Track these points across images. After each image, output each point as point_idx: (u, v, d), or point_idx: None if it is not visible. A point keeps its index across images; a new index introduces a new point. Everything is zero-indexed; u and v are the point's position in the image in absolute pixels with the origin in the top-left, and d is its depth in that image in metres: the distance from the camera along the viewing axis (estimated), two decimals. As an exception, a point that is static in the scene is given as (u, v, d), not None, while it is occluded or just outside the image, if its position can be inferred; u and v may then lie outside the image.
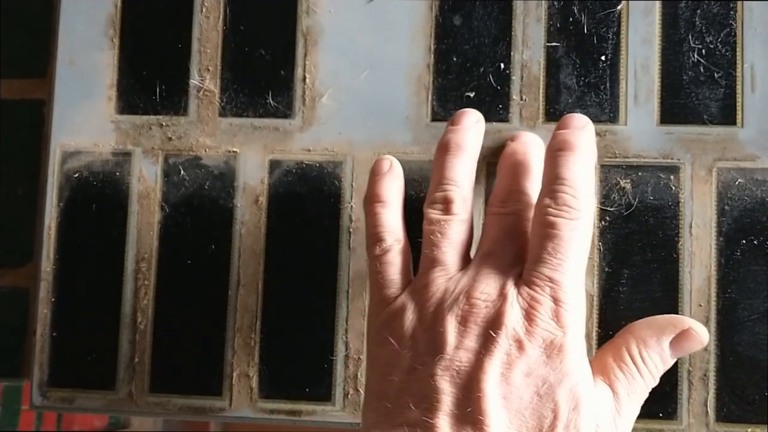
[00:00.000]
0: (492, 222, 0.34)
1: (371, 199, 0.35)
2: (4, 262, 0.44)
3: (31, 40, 0.45)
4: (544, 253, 0.31)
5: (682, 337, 0.33)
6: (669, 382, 0.36)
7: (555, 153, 0.33)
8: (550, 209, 0.32)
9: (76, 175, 0.39)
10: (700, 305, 0.36)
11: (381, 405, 0.31)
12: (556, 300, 0.31)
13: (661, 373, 0.33)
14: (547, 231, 0.31)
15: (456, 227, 0.33)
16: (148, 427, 0.93)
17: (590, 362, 0.32)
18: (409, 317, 0.32)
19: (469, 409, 0.29)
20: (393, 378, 0.31)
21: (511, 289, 0.31)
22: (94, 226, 0.39)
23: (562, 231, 0.31)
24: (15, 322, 0.44)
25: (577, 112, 0.36)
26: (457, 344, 0.31)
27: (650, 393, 0.36)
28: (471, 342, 0.30)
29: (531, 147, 0.36)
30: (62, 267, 0.39)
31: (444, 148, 0.35)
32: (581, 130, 0.34)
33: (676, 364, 0.36)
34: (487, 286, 0.31)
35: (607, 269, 0.37)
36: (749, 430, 0.36)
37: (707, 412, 0.36)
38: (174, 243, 0.39)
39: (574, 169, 0.32)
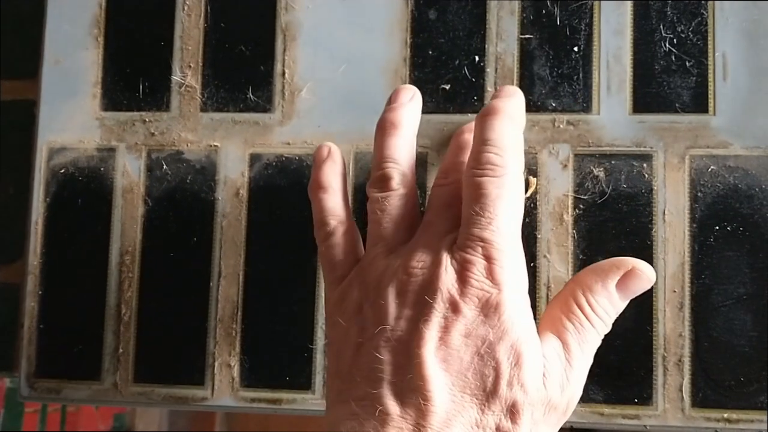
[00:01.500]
0: (433, 194, 0.34)
1: (312, 187, 0.35)
2: (-4, 259, 0.45)
3: (24, 42, 0.46)
4: (473, 213, 0.31)
5: (627, 277, 0.32)
6: (644, 368, 0.36)
7: (481, 119, 0.33)
8: (475, 170, 0.32)
9: (62, 171, 0.40)
10: (675, 291, 0.37)
11: (335, 384, 0.32)
12: (488, 258, 0.30)
13: (613, 318, 0.33)
14: (473, 192, 0.31)
15: (395, 202, 0.34)
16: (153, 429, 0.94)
17: (540, 319, 0.32)
18: (355, 295, 0.32)
19: (410, 376, 0.29)
20: (344, 356, 0.32)
21: (444, 255, 0.31)
22: (80, 220, 0.40)
23: (487, 189, 0.31)
24: (6, 317, 0.45)
25: (550, 101, 0.37)
26: (397, 314, 0.31)
27: (625, 378, 0.36)
28: (409, 310, 0.31)
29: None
30: (49, 261, 0.40)
31: (381, 128, 0.35)
32: (509, 97, 0.34)
33: (651, 348, 0.36)
34: (423, 254, 0.32)
35: (581, 257, 0.37)
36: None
37: (682, 397, 0.36)
38: (157, 236, 0.40)
39: (498, 130, 0.32)
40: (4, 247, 0.45)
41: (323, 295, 0.38)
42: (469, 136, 0.35)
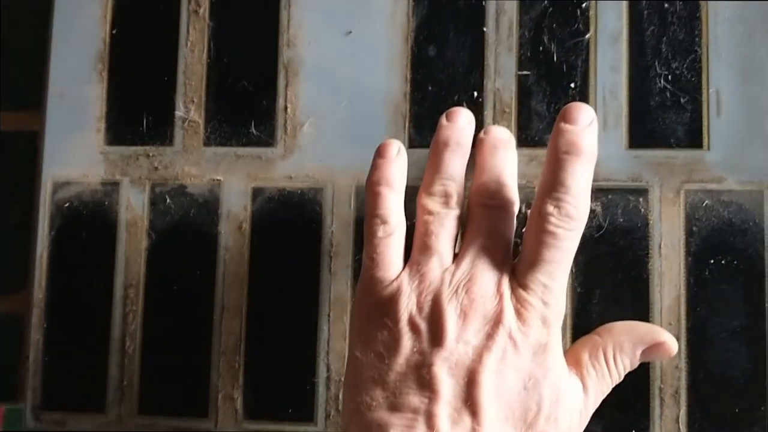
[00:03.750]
0: (481, 214, 0.35)
1: (379, 181, 0.35)
2: (0, 289, 0.45)
3: (27, 73, 0.47)
4: (541, 259, 0.33)
5: (655, 347, 0.35)
6: (641, 399, 0.37)
7: (561, 155, 0.33)
8: (552, 218, 0.33)
9: (67, 204, 0.41)
10: (671, 324, 0.37)
11: (377, 389, 0.32)
12: (545, 303, 0.33)
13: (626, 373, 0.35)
14: (546, 239, 0.33)
15: (452, 221, 0.35)
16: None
17: (565, 353, 0.34)
18: (406, 302, 0.33)
19: (467, 401, 0.31)
20: (391, 363, 0.32)
21: (506, 288, 0.33)
22: (84, 254, 0.40)
23: (561, 242, 0.33)
24: (10, 346, 0.45)
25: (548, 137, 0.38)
26: (457, 337, 0.32)
27: (623, 409, 0.37)
28: (470, 336, 0.32)
29: (507, 143, 0.37)
30: (54, 294, 0.40)
31: (444, 144, 0.36)
32: (588, 128, 0.34)
33: (647, 380, 0.37)
34: (485, 282, 0.33)
35: (579, 290, 0.38)
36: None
37: (679, 428, 0.37)
38: (161, 269, 0.40)
39: (579, 178, 0.33)
40: (7, 278, 0.46)
41: (325, 328, 0.39)
42: (503, 154, 0.36)
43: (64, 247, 0.41)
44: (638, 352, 0.35)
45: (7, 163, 0.46)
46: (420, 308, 0.33)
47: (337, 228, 0.39)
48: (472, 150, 0.37)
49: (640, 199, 0.38)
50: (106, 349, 0.40)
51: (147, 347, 0.40)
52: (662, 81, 0.38)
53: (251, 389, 0.39)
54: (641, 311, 0.37)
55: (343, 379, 0.38)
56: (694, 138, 0.38)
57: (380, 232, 0.35)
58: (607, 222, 0.38)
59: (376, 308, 0.34)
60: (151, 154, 0.41)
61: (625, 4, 0.39)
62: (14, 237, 0.46)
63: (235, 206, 0.40)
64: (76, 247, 0.41)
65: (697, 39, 0.38)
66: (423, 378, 0.32)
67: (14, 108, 0.47)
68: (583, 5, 0.39)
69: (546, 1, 0.39)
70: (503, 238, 0.35)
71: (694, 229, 0.38)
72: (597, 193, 0.38)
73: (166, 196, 0.40)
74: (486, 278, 0.33)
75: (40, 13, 0.47)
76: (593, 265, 0.38)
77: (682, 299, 0.37)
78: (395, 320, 0.33)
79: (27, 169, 0.46)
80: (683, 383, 0.37)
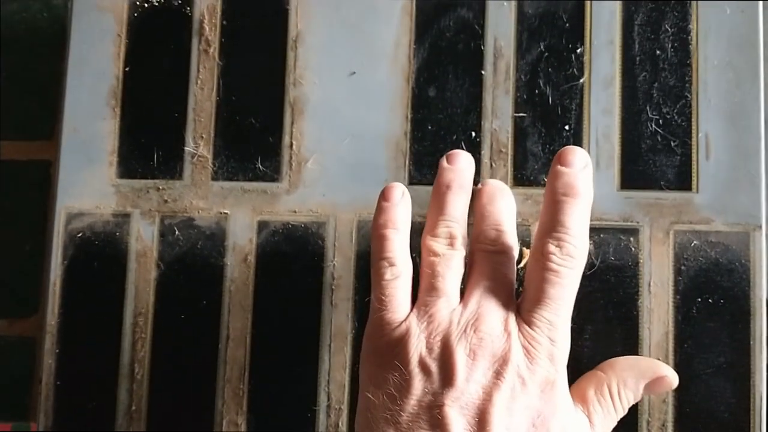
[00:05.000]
0: (484, 259, 0.36)
1: (385, 224, 0.37)
2: (13, 313, 0.47)
3: (39, 103, 0.49)
4: (545, 297, 0.34)
5: (657, 381, 0.36)
6: (629, 432, 0.38)
7: (559, 197, 0.35)
8: (554, 257, 0.34)
9: (79, 235, 0.42)
10: (659, 359, 0.39)
11: (389, 429, 0.33)
12: (551, 340, 0.34)
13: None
14: (549, 277, 0.34)
15: (457, 261, 0.36)
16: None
17: (570, 388, 0.35)
18: (416, 344, 0.34)
19: None
20: (403, 404, 0.33)
21: (513, 326, 0.34)
22: (96, 282, 0.42)
23: (563, 279, 0.34)
24: (22, 368, 0.47)
25: (542, 177, 0.39)
26: (467, 377, 0.33)
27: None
28: (480, 375, 0.33)
29: (504, 192, 0.38)
30: (66, 320, 0.42)
31: (447, 187, 0.37)
32: (583, 171, 0.36)
33: (636, 414, 0.38)
34: (492, 321, 0.34)
35: (571, 325, 0.39)
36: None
37: (666, 460, 0.38)
38: (169, 299, 0.42)
39: (578, 218, 0.35)
40: (21, 302, 0.47)
41: (326, 358, 0.40)
42: (499, 204, 0.37)
43: (77, 276, 0.42)
44: (641, 387, 0.36)
45: (21, 191, 0.48)
46: (430, 349, 0.34)
47: (338, 261, 0.41)
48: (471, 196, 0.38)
49: (631, 239, 0.39)
50: (116, 375, 0.41)
51: (155, 373, 0.41)
52: (653, 125, 0.40)
53: (255, 416, 0.40)
54: (631, 347, 0.39)
55: (344, 407, 0.40)
56: (683, 180, 0.39)
57: (388, 274, 0.36)
58: (599, 260, 0.39)
59: (387, 350, 0.35)
60: (161, 188, 0.42)
61: (618, 50, 0.40)
62: (27, 263, 0.47)
63: (241, 239, 0.42)
64: (88, 275, 0.42)
65: (687, 85, 0.40)
66: (435, 418, 0.32)
67: (27, 137, 0.49)
68: (578, 50, 0.41)
69: (542, 46, 0.41)
70: (506, 280, 0.36)
71: (683, 268, 0.39)
72: (590, 232, 0.39)
73: (175, 228, 0.42)
74: (493, 317, 0.34)
75: (53, 44, 0.49)
76: (585, 302, 0.39)
77: (670, 336, 0.39)
78: (406, 362, 0.34)
79: (39, 197, 0.48)
80: (670, 417, 0.38)
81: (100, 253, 0.42)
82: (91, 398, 0.42)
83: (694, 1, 0.40)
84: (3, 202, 0.48)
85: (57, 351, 0.42)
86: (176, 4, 0.43)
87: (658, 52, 0.40)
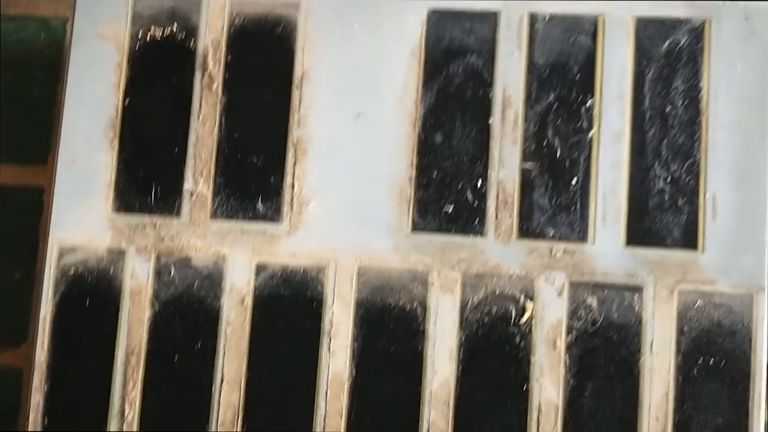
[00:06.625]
0: None
1: None
2: (0, 343, 0.46)
3: (34, 127, 0.47)
4: None
5: None
6: (626, 493, 0.38)
7: None
8: None
9: (72, 270, 0.41)
10: (657, 419, 0.38)
11: None
12: None
13: None
14: None
15: None
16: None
17: None
18: None
19: None
20: None
21: None
22: (88, 319, 0.41)
23: None
24: (9, 400, 0.46)
25: (548, 229, 0.39)
26: None
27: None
28: None
29: None
30: (56, 357, 0.41)
31: None
32: None
33: (633, 475, 0.38)
34: None
35: (572, 381, 0.39)
36: None
37: None
38: (162, 339, 0.41)
39: None
40: (9, 332, 0.46)
41: (322, 405, 0.40)
42: None
43: (68, 312, 0.41)
44: None
45: (11, 217, 0.47)
46: None
47: (337, 308, 0.40)
48: None
49: (635, 296, 0.39)
50: (106, 415, 0.40)
51: (146, 415, 0.40)
52: (661, 182, 0.39)
53: (247, 463, 0.40)
54: (631, 406, 0.38)
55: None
56: (689, 239, 0.39)
57: None
58: (602, 317, 0.39)
59: None
60: (157, 224, 0.41)
61: (628, 104, 0.40)
62: (16, 290, 0.46)
63: (239, 280, 0.41)
64: (80, 312, 0.41)
65: (696, 143, 0.39)
66: None
67: (20, 161, 0.47)
68: (588, 103, 0.40)
69: (551, 97, 0.40)
70: None
71: (685, 328, 0.39)
72: (594, 287, 0.39)
73: (171, 267, 0.41)
74: None
75: (49, 68, 0.47)
76: (587, 359, 0.39)
77: (671, 396, 0.38)
78: None
79: (31, 224, 0.47)
80: (667, 478, 0.38)
81: (93, 290, 0.41)
82: (78, 438, 0.41)
83: (706, 58, 0.40)
84: (-8, 227, 0.47)
85: (45, 389, 0.41)
86: (180, 37, 0.42)
87: (668, 108, 0.40)
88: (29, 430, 0.41)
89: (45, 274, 0.41)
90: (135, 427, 0.40)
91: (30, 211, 0.47)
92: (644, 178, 0.40)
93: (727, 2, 0.40)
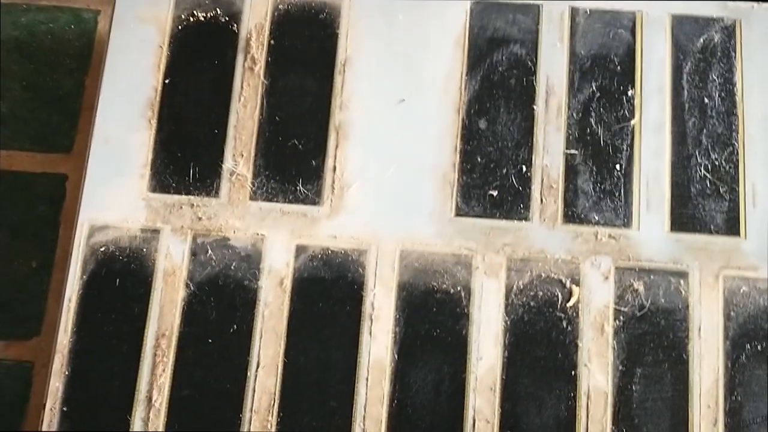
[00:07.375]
0: None
1: None
2: (11, 334, 0.43)
3: (59, 116, 0.46)
4: None
5: None
6: (680, 482, 0.37)
7: None
8: None
9: (102, 249, 0.40)
10: (709, 406, 0.38)
11: None
12: None
13: None
14: None
15: None
16: None
17: None
18: None
19: None
20: None
21: None
22: (116, 300, 0.39)
23: None
24: (17, 394, 0.43)
25: (593, 215, 0.39)
26: None
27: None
28: None
29: None
30: (79, 340, 0.39)
31: None
32: None
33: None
34: None
35: (620, 367, 0.38)
36: None
37: None
38: (196, 321, 0.39)
39: None
40: (21, 323, 0.44)
41: (363, 392, 0.38)
42: None
43: (96, 293, 0.39)
44: None
45: (31, 205, 0.45)
46: None
47: (379, 291, 0.39)
48: None
49: (681, 282, 0.39)
50: (131, 402, 0.38)
51: (175, 402, 0.38)
52: (702, 170, 0.40)
53: (283, 452, 0.38)
54: (681, 392, 0.38)
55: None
56: (731, 226, 0.39)
57: None
58: (649, 301, 0.39)
59: None
60: (195, 204, 0.40)
61: (668, 96, 0.41)
62: (32, 281, 0.44)
63: (278, 262, 0.40)
64: (108, 292, 0.39)
65: (734, 134, 0.40)
66: None
67: (44, 149, 0.46)
68: (629, 93, 0.41)
69: (593, 86, 0.41)
70: None
71: (732, 314, 0.38)
72: (640, 272, 0.39)
73: (208, 248, 0.40)
74: None
75: (79, 57, 0.47)
76: (635, 344, 0.38)
77: (720, 383, 0.38)
78: None
79: (51, 212, 0.45)
80: (720, 467, 0.37)
81: (124, 270, 0.40)
82: (100, 426, 0.38)
83: (739, 55, 0.41)
84: (10, 214, 0.45)
85: (66, 373, 0.39)
86: (223, 20, 0.42)
87: (706, 100, 0.41)
88: (45, 416, 0.38)
89: (72, 254, 0.40)
90: (163, 413, 0.38)
91: (49, 198, 0.45)
92: (685, 167, 0.40)
93: (755, 4, 0.42)
